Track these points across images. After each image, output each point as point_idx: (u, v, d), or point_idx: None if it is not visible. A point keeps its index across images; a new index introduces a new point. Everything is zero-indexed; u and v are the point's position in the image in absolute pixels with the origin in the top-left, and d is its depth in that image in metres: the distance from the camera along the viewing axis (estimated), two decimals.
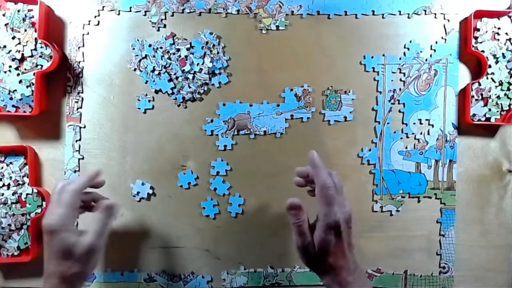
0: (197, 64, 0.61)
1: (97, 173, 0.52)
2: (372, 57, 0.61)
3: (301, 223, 0.46)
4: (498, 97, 0.61)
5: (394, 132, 0.62)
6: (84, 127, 0.61)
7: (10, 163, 0.60)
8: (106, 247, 0.60)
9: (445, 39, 0.62)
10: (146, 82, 0.61)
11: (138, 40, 0.61)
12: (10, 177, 0.59)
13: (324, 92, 0.61)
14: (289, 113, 0.61)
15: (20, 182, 0.60)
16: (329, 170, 0.49)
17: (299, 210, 0.47)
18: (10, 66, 0.59)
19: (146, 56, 0.61)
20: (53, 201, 0.47)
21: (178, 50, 0.61)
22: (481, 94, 0.61)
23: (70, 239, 0.45)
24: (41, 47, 0.59)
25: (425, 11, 0.62)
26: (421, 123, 0.62)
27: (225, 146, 0.61)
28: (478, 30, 0.61)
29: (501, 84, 0.61)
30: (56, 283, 0.45)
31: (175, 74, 0.61)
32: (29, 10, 0.59)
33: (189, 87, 0.61)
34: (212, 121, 0.61)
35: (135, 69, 0.61)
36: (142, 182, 0.61)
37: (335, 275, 0.47)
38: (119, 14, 0.61)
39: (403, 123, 0.62)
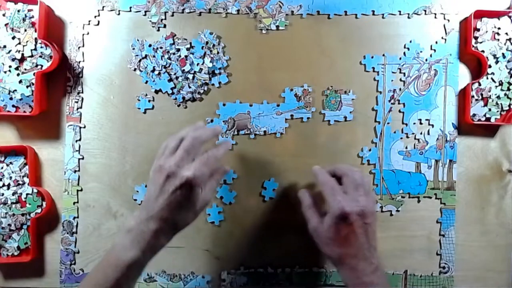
0: (197, 64, 0.61)
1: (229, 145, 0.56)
2: (372, 57, 0.61)
3: (306, 209, 0.54)
4: (498, 97, 0.61)
5: (394, 132, 0.62)
6: (84, 127, 0.61)
7: (10, 163, 0.60)
8: (105, 248, 0.61)
9: (445, 39, 0.62)
10: (146, 82, 0.61)
11: (138, 40, 0.61)
12: (10, 177, 0.59)
13: (324, 92, 0.61)
14: (289, 113, 0.61)
15: (20, 182, 0.60)
16: (350, 167, 0.54)
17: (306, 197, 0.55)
18: (10, 66, 0.59)
19: (146, 56, 0.61)
20: (188, 152, 0.47)
21: (178, 50, 0.61)
22: (481, 94, 0.61)
23: (198, 194, 0.47)
24: (41, 47, 0.59)
25: (425, 11, 0.62)
26: (421, 123, 0.62)
27: None
28: (478, 30, 0.61)
29: (501, 84, 0.61)
30: (164, 228, 0.46)
31: (175, 74, 0.61)
32: (29, 10, 0.59)
33: (189, 87, 0.61)
34: (212, 121, 0.61)
35: (135, 69, 0.61)
36: (145, 184, 0.61)
37: (349, 271, 0.49)
38: (119, 14, 0.61)
39: (403, 123, 0.62)
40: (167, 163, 0.47)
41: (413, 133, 0.62)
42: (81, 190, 0.61)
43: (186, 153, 0.47)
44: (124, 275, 0.45)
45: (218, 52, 0.61)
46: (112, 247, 0.47)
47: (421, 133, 0.62)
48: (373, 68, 0.61)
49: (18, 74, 0.59)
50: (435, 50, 0.62)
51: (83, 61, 0.61)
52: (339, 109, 0.62)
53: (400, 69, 0.62)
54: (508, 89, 0.61)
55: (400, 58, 0.62)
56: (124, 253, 0.45)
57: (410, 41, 0.61)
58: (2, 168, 0.60)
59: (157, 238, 0.46)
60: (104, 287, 0.45)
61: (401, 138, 0.62)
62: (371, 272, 0.48)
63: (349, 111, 0.61)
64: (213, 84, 0.61)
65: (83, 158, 0.61)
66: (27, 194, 0.59)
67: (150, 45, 0.61)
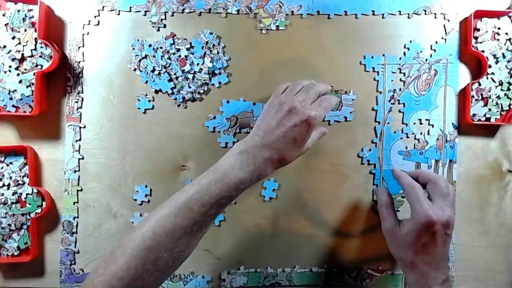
0: (197, 64, 0.61)
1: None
2: (372, 57, 0.61)
3: (382, 207, 0.55)
4: (498, 97, 0.61)
5: (394, 132, 0.62)
6: (84, 127, 0.61)
7: (10, 163, 0.60)
8: (105, 248, 0.61)
9: (445, 39, 0.62)
10: (146, 82, 0.61)
11: (138, 40, 0.61)
12: (10, 177, 0.59)
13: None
14: None
15: (20, 182, 0.60)
16: (436, 174, 0.56)
17: (383, 195, 0.56)
18: (10, 66, 0.59)
19: (146, 56, 0.61)
20: (310, 96, 0.51)
21: (178, 50, 0.61)
22: (481, 94, 0.61)
23: (309, 136, 0.50)
24: (41, 47, 0.59)
25: (425, 11, 0.62)
26: (421, 123, 0.62)
27: (226, 143, 0.61)
28: (478, 30, 0.61)
29: (501, 84, 0.61)
30: (275, 158, 0.49)
31: (175, 74, 0.61)
32: (29, 10, 0.59)
33: (189, 87, 0.61)
34: (214, 117, 0.61)
35: (135, 69, 0.61)
36: (145, 184, 0.61)
37: (420, 277, 0.50)
38: (119, 14, 0.61)
39: (403, 123, 0.62)
40: (289, 100, 0.50)
41: (413, 133, 0.62)
42: (81, 190, 0.61)
43: (308, 95, 0.51)
44: (228, 193, 0.47)
45: (218, 52, 0.61)
46: (217, 166, 0.49)
47: (421, 133, 0.62)
48: (373, 68, 0.62)
49: (18, 74, 0.59)
50: (435, 50, 0.62)
51: (83, 61, 0.61)
52: (340, 109, 0.62)
53: (400, 69, 0.62)
54: (508, 89, 0.61)
55: (400, 58, 0.62)
56: (233, 173, 0.47)
57: (410, 41, 0.61)
58: (2, 168, 0.60)
59: (266, 165, 0.48)
60: (207, 202, 0.46)
61: (401, 138, 0.62)
62: (441, 282, 0.49)
63: (349, 111, 0.61)
64: (213, 84, 0.61)
65: (83, 158, 0.61)
66: (27, 194, 0.59)
67: (150, 45, 0.61)
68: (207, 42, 0.61)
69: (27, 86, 0.59)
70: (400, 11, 0.61)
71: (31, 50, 0.59)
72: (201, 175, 0.49)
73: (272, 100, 0.52)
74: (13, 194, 0.59)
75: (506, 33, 0.60)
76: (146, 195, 0.61)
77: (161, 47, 0.61)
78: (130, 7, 0.61)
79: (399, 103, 0.62)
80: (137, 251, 0.44)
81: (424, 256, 0.50)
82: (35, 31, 0.59)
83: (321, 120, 0.50)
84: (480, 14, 0.60)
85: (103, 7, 0.61)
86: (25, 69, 0.59)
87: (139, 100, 0.61)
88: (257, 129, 0.50)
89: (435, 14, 0.62)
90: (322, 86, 0.54)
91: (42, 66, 0.59)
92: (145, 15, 0.61)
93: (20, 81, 0.59)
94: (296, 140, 0.49)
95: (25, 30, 0.59)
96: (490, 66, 0.60)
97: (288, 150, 0.49)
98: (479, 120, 0.61)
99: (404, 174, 0.54)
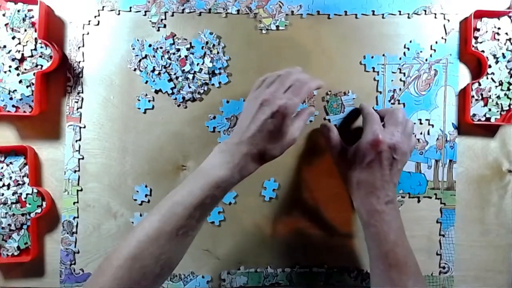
0: (197, 64, 0.61)
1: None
2: (372, 57, 0.61)
3: (330, 139, 0.56)
4: (498, 97, 0.61)
5: None
6: (84, 127, 0.61)
7: (10, 163, 0.60)
8: (105, 248, 0.61)
9: (445, 39, 0.62)
10: (146, 82, 0.61)
11: (138, 40, 0.61)
12: (10, 177, 0.59)
13: (324, 98, 0.61)
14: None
15: (20, 182, 0.60)
16: (402, 111, 0.55)
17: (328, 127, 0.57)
18: (10, 66, 0.59)
19: (146, 56, 0.61)
20: (283, 85, 0.50)
21: (178, 50, 0.61)
22: (481, 94, 0.61)
23: (287, 126, 0.48)
24: (41, 47, 0.59)
25: (425, 11, 0.62)
26: (421, 123, 0.62)
27: None
28: (478, 30, 0.61)
29: (501, 84, 0.61)
30: (254, 153, 0.47)
31: (175, 74, 0.61)
32: (29, 10, 0.59)
33: (189, 87, 0.61)
34: (214, 117, 0.61)
35: (135, 69, 0.61)
36: (145, 184, 0.61)
37: (364, 197, 0.51)
38: (119, 14, 0.61)
39: None
40: (262, 93, 0.49)
41: (413, 133, 0.62)
42: (81, 190, 0.61)
43: (281, 85, 0.49)
44: (210, 193, 0.46)
45: (218, 52, 0.61)
46: (199, 168, 0.49)
47: (421, 133, 0.62)
48: (373, 68, 0.61)
49: (18, 74, 0.59)
50: (435, 50, 0.61)
51: (83, 61, 0.61)
52: (343, 111, 0.62)
53: (400, 69, 0.62)
54: (508, 89, 0.61)
55: (400, 58, 0.62)
56: (213, 172, 0.47)
57: (410, 41, 0.61)
58: (2, 168, 0.60)
59: (246, 161, 0.47)
60: (189, 204, 0.45)
61: None
62: (385, 202, 0.51)
63: (353, 112, 0.61)
64: (213, 84, 0.61)
65: (83, 158, 0.61)
66: (27, 194, 0.59)
67: (150, 45, 0.61)
68: (207, 42, 0.61)
69: (27, 86, 0.59)
70: (400, 11, 0.61)
71: (31, 50, 0.59)
72: (185, 179, 0.49)
73: (249, 95, 0.52)
74: (13, 194, 0.59)
75: (506, 33, 0.60)
76: (146, 195, 0.61)
77: (161, 47, 0.61)
78: (130, 7, 0.61)
79: (399, 103, 0.62)
80: (122, 261, 0.43)
81: (368, 175, 0.51)
82: (35, 31, 0.59)
83: (295, 107, 0.48)
84: (480, 14, 0.60)
85: (103, 7, 0.61)
86: (25, 69, 0.59)
87: (139, 100, 0.61)
88: (236, 127, 0.50)
89: (435, 14, 0.62)
90: (299, 73, 0.52)
91: (42, 66, 0.59)
92: (145, 15, 0.61)
93: (20, 81, 0.59)
94: (272, 133, 0.47)
95: (25, 30, 0.59)
96: (490, 66, 0.60)
97: (267, 144, 0.48)
98: (479, 120, 0.61)
99: (368, 106, 0.57)
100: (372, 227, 0.51)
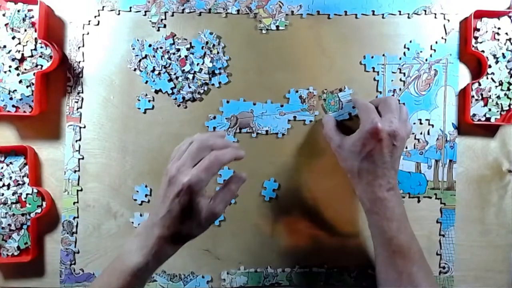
0: (197, 64, 0.61)
1: (243, 156, 0.48)
2: (372, 57, 0.61)
3: (328, 130, 0.57)
4: (498, 97, 0.61)
5: None
6: (84, 127, 0.61)
7: (10, 163, 0.60)
8: (105, 248, 0.61)
9: (445, 39, 0.62)
10: (146, 82, 0.61)
11: (138, 40, 0.61)
12: (10, 177, 0.59)
13: (321, 97, 0.61)
14: (292, 115, 0.61)
15: (20, 182, 0.60)
16: (395, 98, 0.57)
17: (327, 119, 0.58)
18: (10, 66, 0.59)
19: (146, 56, 0.61)
20: (192, 156, 0.45)
21: (178, 50, 0.61)
22: (481, 94, 0.61)
23: (202, 204, 0.44)
24: (41, 47, 0.59)
25: (425, 11, 0.62)
26: (421, 123, 0.62)
27: None
28: (478, 30, 0.61)
29: (501, 84, 0.61)
30: (167, 236, 0.44)
31: (175, 74, 0.61)
32: (29, 10, 0.59)
33: (189, 87, 0.61)
34: (215, 117, 0.61)
35: (135, 69, 0.61)
36: (145, 184, 0.61)
37: (366, 186, 0.51)
38: (119, 14, 0.61)
39: None
40: (170, 168, 0.45)
41: (413, 133, 0.62)
42: (81, 190, 0.61)
43: (190, 158, 0.45)
44: (127, 283, 0.44)
45: (218, 52, 0.61)
46: (119, 253, 0.47)
47: (421, 133, 0.62)
48: (373, 68, 0.61)
49: (18, 74, 0.59)
50: (435, 50, 0.61)
51: (83, 61, 0.61)
52: (341, 108, 0.62)
53: (400, 69, 0.62)
54: (508, 89, 0.61)
55: (400, 58, 0.62)
56: (129, 258, 0.44)
57: (410, 41, 0.61)
58: (2, 168, 0.60)
59: (161, 245, 0.45)
60: None
61: None
62: (386, 189, 0.51)
63: (351, 106, 0.61)
64: (213, 84, 0.61)
65: (83, 158, 0.61)
66: (27, 194, 0.59)
67: (150, 45, 0.61)
68: (207, 42, 0.61)
69: (27, 86, 0.59)
70: (400, 11, 0.61)
71: (31, 50, 0.59)
72: (107, 266, 0.47)
73: (165, 169, 0.46)
74: (13, 194, 0.59)
75: (506, 33, 0.60)
76: (146, 195, 0.61)
77: (161, 47, 0.61)
78: (130, 7, 0.61)
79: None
80: None
81: (369, 164, 0.51)
82: (35, 31, 0.59)
83: (202, 183, 0.43)
84: (480, 14, 0.60)
85: (103, 7, 0.61)
86: (25, 69, 0.59)
87: (139, 100, 0.61)
88: (151, 207, 0.47)
89: (435, 14, 0.62)
90: (211, 139, 0.46)
91: (42, 66, 0.59)
92: (145, 15, 0.61)
93: (20, 81, 0.59)
94: (183, 212, 0.44)
95: (25, 30, 0.59)
96: (490, 66, 0.60)
97: (180, 225, 0.44)
98: (479, 120, 0.61)
99: (360, 98, 0.58)
100: (375, 214, 0.51)
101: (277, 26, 0.61)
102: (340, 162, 0.56)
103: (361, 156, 0.52)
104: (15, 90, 0.58)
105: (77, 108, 0.61)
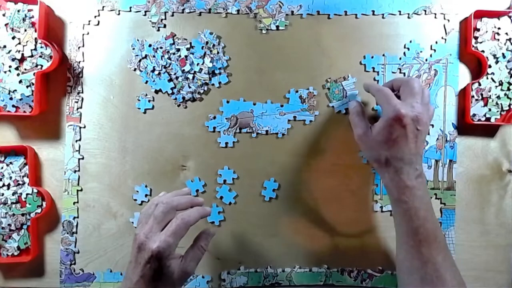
0: (197, 64, 0.61)
1: (209, 212, 0.50)
2: (372, 57, 0.61)
3: (353, 115, 0.56)
4: (498, 97, 0.61)
5: None
6: (84, 127, 0.61)
7: (10, 163, 0.60)
8: (105, 248, 0.61)
9: (445, 39, 0.62)
10: (146, 82, 0.61)
11: (138, 40, 0.61)
12: (10, 177, 0.59)
13: (324, 86, 0.61)
14: (292, 115, 0.61)
15: (20, 182, 0.60)
16: (410, 77, 0.58)
17: (354, 105, 0.56)
18: (10, 66, 0.59)
19: (146, 56, 0.61)
20: (158, 220, 0.46)
21: (178, 50, 0.61)
22: (481, 94, 0.61)
23: (173, 266, 0.45)
24: (41, 47, 0.59)
25: (425, 11, 0.62)
26: None
27: (226, 143, 0.61)
28: (478, 30, 0.61)
29: (501, 84, 0.61)
30: None
31: (175, 74, 0.61)
32: (29, 10, 0.59)
33: (189, 87, 0.61)
34: (215, 117, 0.61)
35: (135, 69, 0.61)
36: (145, 184, 0.61)
37: (394, 174, 0.51)
38: (119, 14, 0.61)
39: None
40: (138, 233, 0.45)
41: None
42: (81, 190, 0.61)
43: (157, 222, 0.46)
44: None
45: (218, 52, 0.61)
46: None
47: None
48: (373, 68, 0.61)
49: (18, 74, 0.59)
50: (435, 50, 0.62)
51: (83, 61, 0.61)
52: (345, 97, 0.61)
53: (400, 69, 0.62)
54: (508, 89, 0.61)
55: (400, 58, 0.62)
56: None
57: (410, 41, 0.61)
58: (2, 168, 0.60)
59: None
60: None
61: None
62: (414, 177, 0.50)
63: (355, 94, 0.61)
64: (213, 84, 0.61)
65: (83, 158, 0.61)
66: (27, 194, 0.59)
67: (150, 45, 0.61)
68: (207, 42, 0.61)
69: (27, 86, 0.59)
70: (400, 11, 0.61)
71: (31, 50, 0.59)
72: None
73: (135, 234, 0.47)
74: (13, 194, 0.59)
75: (506, 33, 0.60)
76: (146, 195, 0.61)
77: (161, 47, 0.61)
78: (130, 7, 0.61)
79: None
80: None
81: (396, 152, 0.50)
82: (35, 31, 0.59)
83: (171, 248, 0.44)
84: (480, 14, 0.60)
85: (103, 7, 0.61)
86: (25, 69, 0.59)
87: (139, 100, 0.61)
88: (126, 269, 0.47)
89: (435, 14, 0.62)
90: (176, 201, 0.47)
91: (42, 66, 0.59)
92: (145, 15, 0.61)
93: (20, 81, 0.59)
94: (155, 276, 0.44)
95: (25, 30, 0.59)
96: (490, 66, 0.60)
97: None
98: (479, 120, 0.61)
99: (374, 82, 0.57)
100: (404, 203, 0.50)
101: (277, 26, 0.61)
102: (364, 151, 0.55)
103: (388, 145, 0.51)
104: (15, 90, 0.58)
105: (77, 108, 0.61)
